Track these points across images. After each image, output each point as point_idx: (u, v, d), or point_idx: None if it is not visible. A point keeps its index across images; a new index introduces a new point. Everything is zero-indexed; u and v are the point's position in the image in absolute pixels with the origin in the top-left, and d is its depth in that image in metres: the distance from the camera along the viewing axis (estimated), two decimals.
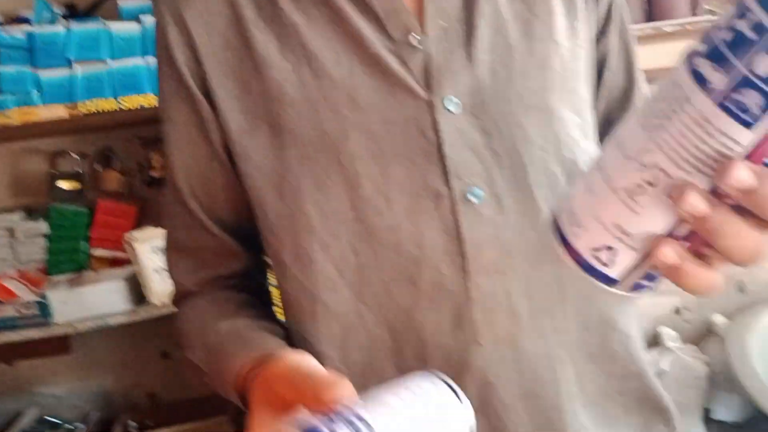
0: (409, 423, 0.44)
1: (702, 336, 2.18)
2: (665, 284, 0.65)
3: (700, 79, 0.38)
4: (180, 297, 0.76)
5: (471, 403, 0.60)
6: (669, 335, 2.11)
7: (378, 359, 0.65)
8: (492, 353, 0.63)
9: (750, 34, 0.36)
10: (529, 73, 0.64)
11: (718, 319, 2.11)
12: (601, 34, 0.73)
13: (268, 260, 0.73)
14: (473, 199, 0.62)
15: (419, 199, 0.62)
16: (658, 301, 2.12)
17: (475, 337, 0.63)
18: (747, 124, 0.37)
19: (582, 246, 0.45)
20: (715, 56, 0.38)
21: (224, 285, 0.74)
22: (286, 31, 0.64)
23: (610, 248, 0.43)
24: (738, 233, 0.39)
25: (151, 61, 1.63)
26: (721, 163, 0.38)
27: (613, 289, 0.45)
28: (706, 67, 0.38)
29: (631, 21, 2.04)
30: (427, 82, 0.62)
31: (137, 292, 1.66)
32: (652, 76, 2.24)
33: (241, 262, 0.74)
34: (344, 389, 0.44)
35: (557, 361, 0.66)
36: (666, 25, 1.89)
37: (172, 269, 0.76)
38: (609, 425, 0.69)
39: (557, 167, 0.65)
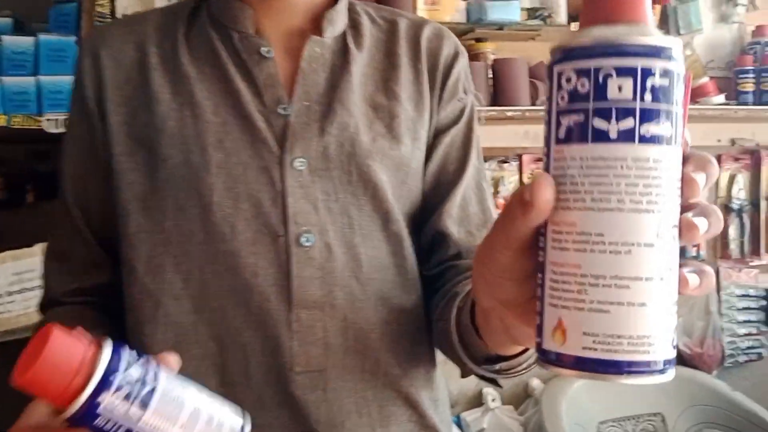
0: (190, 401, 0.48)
1: (520, 398, 2.33)
2: None
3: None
4: (46, 303, 0.84)
5: (286, 423, 0.71)
6: (491, 396, 2.25)
7: (204, 370, 0.73)
8: (304, 380, 0.72)
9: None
10: (370, 156, 0.77)
11: (535, 383, 2.27)
12: (440, 135, 0.83)
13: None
14: (305, 243, 0.73)
15: (260, 235, 0.73)
16: None
17: (292, 364, 0.72)
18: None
19: (658, 355, 0.39)
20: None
21: (86, 300, 0.82)
22: (180, 79, 0.77)
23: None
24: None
25: (6, 80, 1.58)
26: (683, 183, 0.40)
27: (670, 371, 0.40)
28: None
29: (479, 104, 2.20)
30: (283, 142, 0.74)
31: None
32: (494, 153, 2.42)
33: (106, 275, 0.81)
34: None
35: (362, 399, 0.75)
36: (508, 110, 2.07)
37: (46, 275, 0.85)
38: None
39: (382, 235, 0.77)
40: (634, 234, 0.38)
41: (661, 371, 0.39)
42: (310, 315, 0.73)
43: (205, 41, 0.79)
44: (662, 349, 0.39)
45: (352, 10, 0.85)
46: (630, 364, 0.38)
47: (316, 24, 0.81)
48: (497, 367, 0.65)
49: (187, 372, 0.67)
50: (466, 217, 0.82)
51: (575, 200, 0.39)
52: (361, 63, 0.81)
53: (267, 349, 0.72)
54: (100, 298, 0.82)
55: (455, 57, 0.86)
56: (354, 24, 0.84)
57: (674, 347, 0.40)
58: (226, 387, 0.72)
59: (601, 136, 0.39)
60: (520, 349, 0.60)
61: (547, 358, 0.41)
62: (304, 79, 0.78)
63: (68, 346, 0.43)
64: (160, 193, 0.75)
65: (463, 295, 0.68)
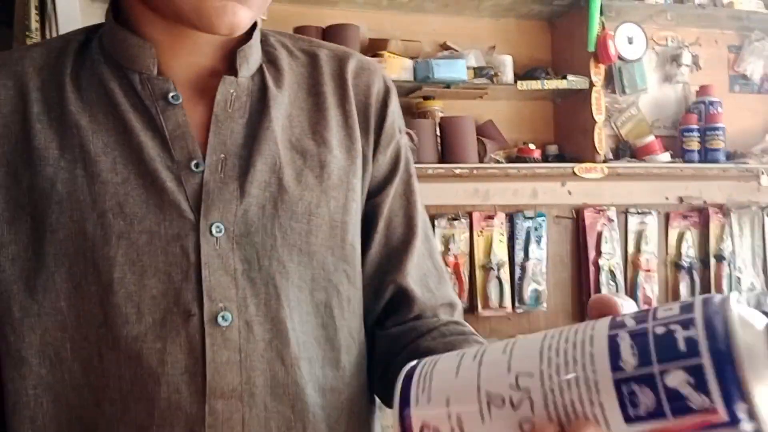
0: None
1: None
2: None
3: (614, 351, 0.36)
4: None
5: None
6: None
7: None
8: None
9: (681, 345, 0.35)
10: (296, 215, 0.68)
11: None
12: (382, 188, 0.77)
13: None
14: (222, 323, 0.64)
15: (170, 315, 0.64)
16: None
17: None
18: (627, 418, 0.36)
19: (416, 414, 0.41)
20: (639, 342, 0.36)
21: None
22: (69, 132, 0.66)
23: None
24: None
25: None
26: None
27: None
28: (625, 345, 0.36)
29: (427, 160, 2.18)
30: (198, 206, 0.65)
31: None
32: (444, 210, 2.41)
33: None
34: None
35: None
36: (456, 168, 2.08)
37: None
38: None
39: (311, 306, 0.69)
40: None
41: None
42: (227, 406, 0.64)
43: (97, 83, 0.68)
44: None
45: (265, 43, 0.75)
46: None
47: (228, 62, 0.71)
48: None
49: None
50: (423, 276, 0.77)
51: None
52: (283, 103, 0.72)
53: None
54: None
55: (387, 94, 0.78)
56: (271, 59, 0.74)
57: None
58: None
59: None
60: None
61: None
62: (218, 127, 0.68)
63: None
64: (49, 269, 0.64)
65: None
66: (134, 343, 0.63)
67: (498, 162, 2.21)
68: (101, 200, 0.64)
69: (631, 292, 2.40)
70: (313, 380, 0.68)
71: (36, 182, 0.65)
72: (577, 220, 2.39)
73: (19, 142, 0.66)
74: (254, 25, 0.72)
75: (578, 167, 2.21)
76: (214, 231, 0.65)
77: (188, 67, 0.70)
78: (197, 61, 0.70)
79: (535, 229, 2.32)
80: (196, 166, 0.66)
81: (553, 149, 2.35)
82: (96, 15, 1.88)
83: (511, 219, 2.31)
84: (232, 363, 0.64)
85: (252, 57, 0.72)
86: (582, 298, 2.37)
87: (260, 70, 0.73)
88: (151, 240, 0.64)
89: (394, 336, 0.75)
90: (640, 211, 2.45)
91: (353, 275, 0.73)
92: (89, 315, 0.64)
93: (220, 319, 0.64)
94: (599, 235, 2.38)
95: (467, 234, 2.25)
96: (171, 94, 0.68)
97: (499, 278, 2.26)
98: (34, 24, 1.57)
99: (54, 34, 1.62)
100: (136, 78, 0.68)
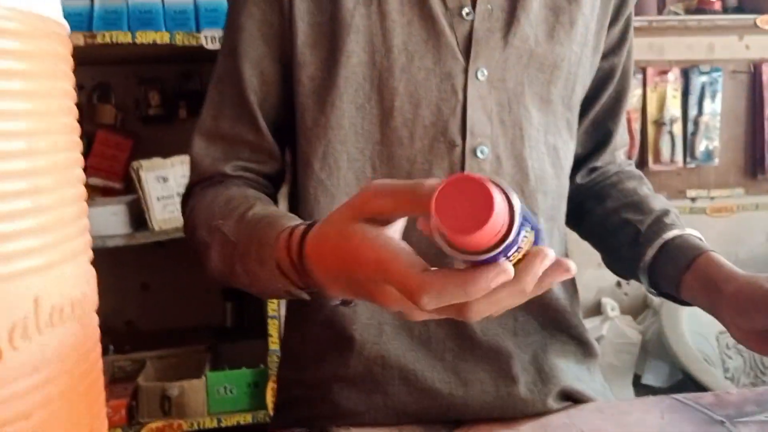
0: None
1: (639, 308, 2.38)
2: None
3: None
4: (205, 179, 0.79)
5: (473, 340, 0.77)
6: (610, 305, 2.31)
7: None
8: None
9: None
10: (542, 67, 0.76)
11: None
12: (613, 51, 0.86)
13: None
14: (480, 155, 0.74)
15: (437, 143, 0.73)
16: (602, 274, 2.32)
17: None
18: None
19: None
20: None
21: (255, 179, 0.79)
22: None
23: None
24: None
25: (167, 0, 1.71)
26: None
27: None
28: None
29: None
30: (467, 50, 0.73)
31: (134, 218, 1.74)
32: None
33: (274, 166, 0.80)
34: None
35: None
36: (635, 21, 2.06)
37: (201, 153, 0.79)
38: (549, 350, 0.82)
39: (543, 147, 0.78)
40: None
41: None
42: None
43: None
44: None
45: None
46: None
47: None
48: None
49: None
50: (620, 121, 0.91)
51: None
52: None
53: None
54: (266, 187, 0.80)
55: None
56: None
57: None
58: None
59: None
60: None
61: None
62: None
63: (500, 202, 0.40)
64: (339, 90, 0.73)
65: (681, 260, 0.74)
66: (406, 162, 0.74)
67: (677, 14, 2.18)
68: (389, 36, 0.73)
69: None
70: (545, 211, 0.79)
71: (337, 14, 0.73)
72: (755, 74, 2.34)
73: None
74: None
75: (760, 19, 2.14)
76: (479, 75, 0.73)
77: None
78: None
79: (710, 84, 2.30)
80: (467, 14, 0.73)
81: (732, 1, 2.26)
82: None
83: (685, 74, 2.30)
84: None
85: None
86: (756, 154, 2.36)
87: None
88: (427, 76, 0.73)
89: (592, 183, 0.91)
90: None
91: (573, 122, 0.83)
92: (367, 133, 0.74)
93: (478, 152, 0.74)
94: None
95: (640, 90, 2.27)
96: None
97: (671, 133, 2.28)
98: None
99: None
100: None
